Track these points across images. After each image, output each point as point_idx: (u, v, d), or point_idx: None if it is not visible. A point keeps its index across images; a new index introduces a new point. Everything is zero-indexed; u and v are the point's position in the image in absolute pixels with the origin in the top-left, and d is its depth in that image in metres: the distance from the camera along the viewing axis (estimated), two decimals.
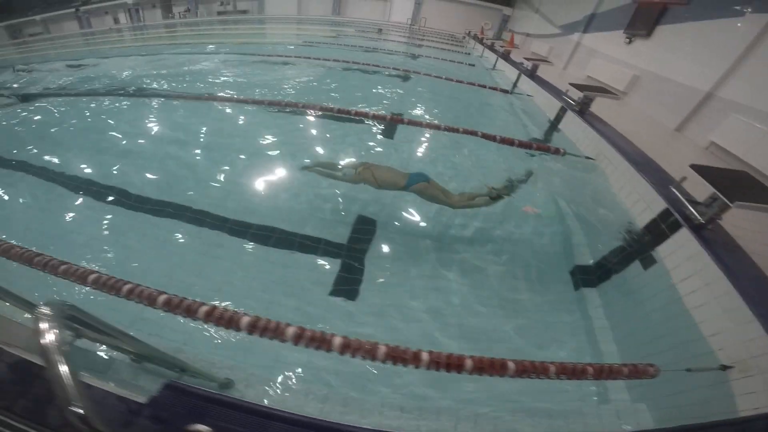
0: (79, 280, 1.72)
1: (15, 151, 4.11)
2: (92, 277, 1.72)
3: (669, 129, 5.68)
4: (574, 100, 4.78)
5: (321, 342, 1.54)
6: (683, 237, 2.38)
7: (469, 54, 12.21)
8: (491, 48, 11.50)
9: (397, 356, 1.50)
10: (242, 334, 1.58)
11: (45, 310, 0.84)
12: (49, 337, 0.79)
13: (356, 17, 21.44)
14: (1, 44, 22.74)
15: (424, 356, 1.51)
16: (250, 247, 2.97)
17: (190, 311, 1.61)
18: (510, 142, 3.78)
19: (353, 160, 3.47)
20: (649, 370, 1.70)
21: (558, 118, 5.08)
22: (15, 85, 6.84)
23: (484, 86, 7.14)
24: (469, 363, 1.49)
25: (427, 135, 4.61)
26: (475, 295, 2.67)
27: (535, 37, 13.77)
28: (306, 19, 21.89)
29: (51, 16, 23.91)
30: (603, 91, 4.81)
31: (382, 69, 8.11)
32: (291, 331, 1.53)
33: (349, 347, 1.52)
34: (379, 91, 6.98)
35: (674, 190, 2.56)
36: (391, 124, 4.95)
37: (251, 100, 5.27)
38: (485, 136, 3.75)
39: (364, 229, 3.09)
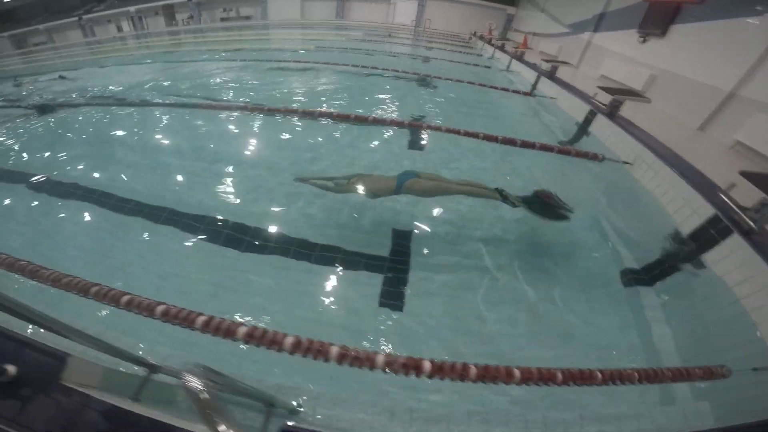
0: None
1: (40, 162, 4.23)
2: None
3: (691, 129, 5.68)
4: (603, 104, 4.77)
5: (365, 360, 1.47)
6: (735, 242, 2.41)
7: (481, 56, 12.24)
8: (502, 49, 11.55)
9: (445, 372, 1.51)
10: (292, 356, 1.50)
11: (192, 376, 0.91)
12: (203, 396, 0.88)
13: (359, 20, 21.57)
14: (6, 54, 23.01)
15: (473, 370, 1.53)
16: (289, 263, 2.92)
17: (229, 332, 1.52)
18: (549, 149, 3.81)
19: (346, 171, 3.52)
20: (721, 371, 1.77)
21: (587, 121, 5.03)
22: (36, 97, 6.94)
23: (507, 90, 7.16)
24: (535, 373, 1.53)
25: (457, 142, 4.56)
26: (531, 300, 2.70)
27: (543, 36, 13.82)
28: (311, 23, 22.00)
29: (54, 26, 24.13)
30: (632, 94, 4.81)
31: (398, 73, 8.16)
32: (335, 350, 1.45)
33: (393, 364, 1.46)
34: (399, 96, 6.99)
35: (722, 196, 2.62)
36: (417, 130, 4.97)
37: (282, 110, 5.32)
38: (524, 144, 3.77)
39: (401, 243, 3.12)
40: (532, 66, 8.33)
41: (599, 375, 1.58)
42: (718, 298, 2.41)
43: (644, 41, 7.84)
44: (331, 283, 2.77)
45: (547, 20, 13.74)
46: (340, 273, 2.83)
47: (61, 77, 9.00)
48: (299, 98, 6.64)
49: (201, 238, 3.09)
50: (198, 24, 23.15)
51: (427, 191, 3.07)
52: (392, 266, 2.88)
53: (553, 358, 2.34)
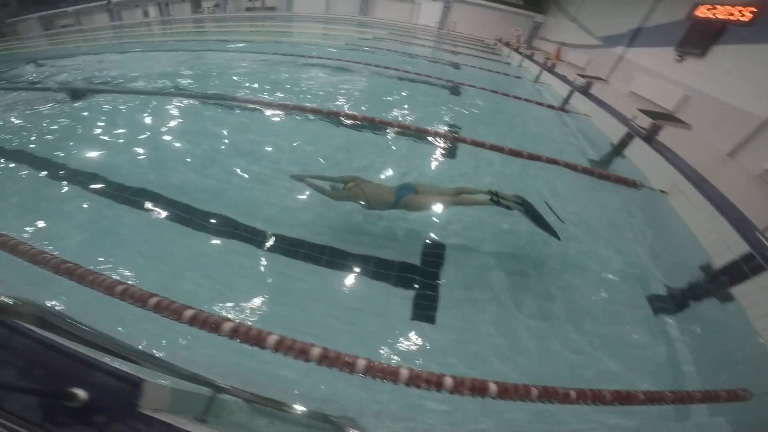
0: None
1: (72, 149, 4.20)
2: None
3: (721, 153, 5.53)
4: (642, 127, 4.64)
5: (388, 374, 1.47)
6: (766, 280, 2.48)
7: (509, 64, 12.10)
8: (531, 58, 11.42)
9: (476, 389, 1.50)
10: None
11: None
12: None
13: (383, 18, 21.49)
14: (34, 35, 23.44)
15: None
16: (322, 271, 2.87)
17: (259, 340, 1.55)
18: (590, 173, 3.75)
19: (345, 174, 3.23)
20: (742, 394, 1.87)
21: (623, 143, 4.88)
22: (65, 80, 6.94)
23: (539, 103, 7.03)
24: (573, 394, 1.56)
25: (490, 157, 4.45)
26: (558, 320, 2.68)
27: (572, 46, 13.63)
28: (334, 18, 21.97)
29: (83, 8, 24.48)
30: (673, 119, 4.64)
31: (429, 79, 8.06)
32: (361, 363, 1.47)
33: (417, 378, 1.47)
34: (432, 104, 6.90)
35: (758, 234, 2.68)
36: (453, 142, 4.90)
37: (308, 109, 5.29)
38: (567, 166, 3.71)
39: (435, 253, 3.08)
40: (565, 79, 8.17)
41: (641, 396, 1.65)
42: (742, 328, 2.48)
43: (681, 60, 7.66)
44: (362, 292, 2.76)
45: (577, 30, 13.57)
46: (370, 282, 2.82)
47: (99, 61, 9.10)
48: (323, 97, 6.59)
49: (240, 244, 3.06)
50: (223, 12, 23.28)
51: (422, 207, 2.94)
52: (424, 278, 2.86)
53: (594, 377, 2.33)
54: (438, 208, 3.04)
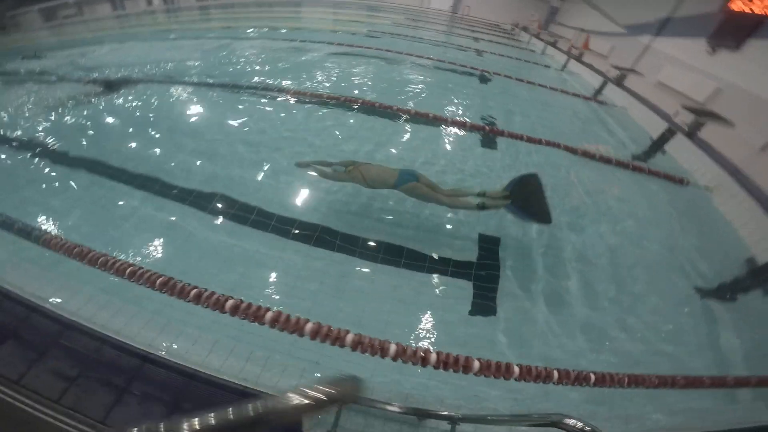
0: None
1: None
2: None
3: (754, 147, 5.59)
4: (685, 123, 4.87)
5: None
6: None
7: (533, 51, 12.12)
8: (555, 45, 11.49)
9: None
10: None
11: None
12: None
13: (393, 2, 21.19)
14: (36, 27, 23.16)
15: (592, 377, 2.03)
16: (380, 269, 3.07)
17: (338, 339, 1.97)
18: (641, 170, 4.00)
19: (346, 159, 3.48)
20: None
21: (664, 138, 5.14)
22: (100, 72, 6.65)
23: (576, 95, 7.15)
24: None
25: (529, 149, 4.66)
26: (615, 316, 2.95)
27: (593, 33, 13.60)
28: (349, 2, 21.68)
29: None
30: (717, 117, 4.82)
31: (456, 67, 8.16)
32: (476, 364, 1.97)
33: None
34: (462, 93, 6.94)
35: None
36: (490, 135, 5.04)
37: (344, 99, 5.46)
38: (619, 164, 3.98)
39: (490, 248, 3.29)
40: (597, 70, 8.25)
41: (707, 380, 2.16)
42: None
43: (713, 52, 7.79)
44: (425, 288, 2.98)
45: (598, 17, 13.46)
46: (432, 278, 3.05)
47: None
48: (350, 86, 6.59)
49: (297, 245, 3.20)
50: None
51: (420, 196, 3.15)
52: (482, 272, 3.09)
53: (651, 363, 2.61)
54: (430, 201, 3.22)
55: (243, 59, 7.82)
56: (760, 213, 3.44)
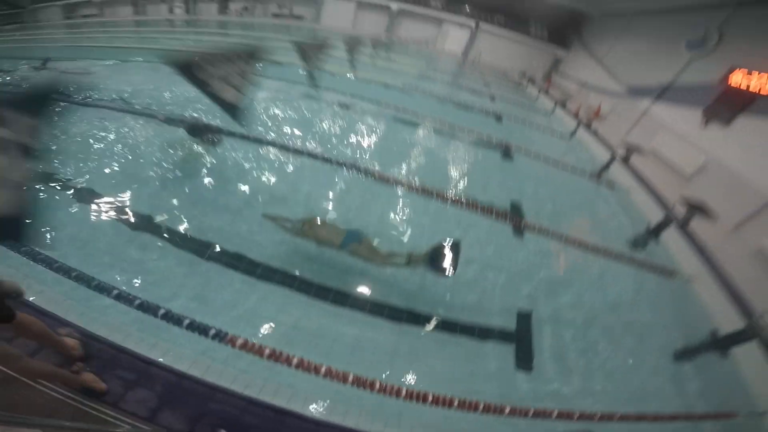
0: None
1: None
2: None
3: (727, 226, 5.96)
4: (679, 213, 5.42)
5: None
6: (754, 346, 3.67)
7: (547, 114, 12.22)
8: (564, 106, 11.94)
9: None
10: None
11: None
12: None
13: (407, 40, 22.26)
14: (55, 22, 23.97)
15: None
16: (432, 333, 3.42)
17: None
18: (635, 262, 4.95)
19: (304, 216, 3.86)
20: (732, 415, 3.21)
21: (661, 226, 5.62)
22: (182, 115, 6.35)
23: (598, 177, 7.26)
24: None
25: (558, 246, 4.87)
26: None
27: (594, 89, 14.25)
28: (363, 37, 22.65)
29: None
30: (705, 212, 5.56)
31: (476, 134, 8.10)
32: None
33: None
34: (488, 173, 6.75)
35: (756, 319, 3.84)
36: (518, 225, 5.13)
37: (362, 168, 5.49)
38: (614, 255, 4.70)
39: (524, 320, 3.75)
40: (609, 146, 8.34)
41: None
42: (734, 377, 3.66)
43: (706, 125, 8.19)
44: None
45: (602, 73, 14.16)
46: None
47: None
48: (370, 153, 6.50)
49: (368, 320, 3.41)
50: (251, 17, 23.99)
51: (364, 258, 3.61)
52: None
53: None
54: (370, 261, 3.65)
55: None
56: (723, 294, 4.40)
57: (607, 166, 7.76)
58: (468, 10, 21.15)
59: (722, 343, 3.82)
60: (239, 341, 2.66)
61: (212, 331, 2.71)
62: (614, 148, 8.10)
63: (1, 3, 24.94)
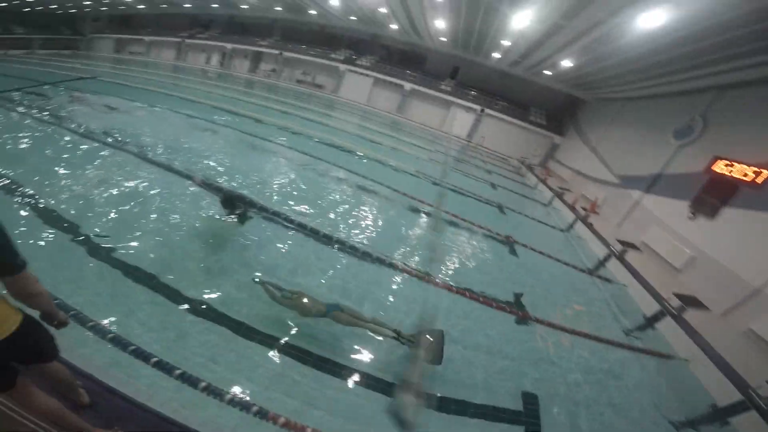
0: None
1: None
2: None
3: (716, 313, 6.17)
4: (673, 307, 5.57)
5: None
6: (754, 416, 3.78)
7: (546, 206, 12.02)
8: (561, 198, 11.70)
9: None
10: None
11: None
12: None
13: (417, 121, 23.13)
14: (105, 54, 26.61)
15: None
16: None
17: None
18: (635, 349, 5.06)
19: (293, 288, 3.91)
20: None
21: (655, 318, 5.66)
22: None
23: (596, 273, 7.18)
24: None
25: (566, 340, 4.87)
26: None
27: (587, 178, 13.95)
28: (373, 112, 23.78)
29: (157, 41, 28.03)
30: (699, 305, 6.10)
31: (485, 230, 7.79)
32: None
33: None
34: (491, 265, 6.57)
35: (751, 392, 3.94)
36: (521, 316, 5.14)
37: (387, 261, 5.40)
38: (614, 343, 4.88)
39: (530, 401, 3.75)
40: (605, 242, 8.06)
41: None
42: None
43: (693, 218, 7.62)
44: None
45: (594, 162, 13.94)
46: None
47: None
48: (372, 235, 6.25)
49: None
50: (278, 79, 25.89)
51: (346, 322, 3.76)
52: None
53: None
54: (355, 326, 3.78)
55: (258, 172, 7.76)
56: (722, 378, 4.36)
57: (603, 262, 7.50)
58: (475, 95, 22.24)
59: (721, 414, 4.03)
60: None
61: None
62: (609, 244, 7.88)
63: (65, 27, 28.10)
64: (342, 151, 11.41)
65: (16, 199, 4.83)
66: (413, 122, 22.78)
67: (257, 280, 4.04)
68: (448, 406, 3.43)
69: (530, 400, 3.72)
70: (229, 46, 26.84)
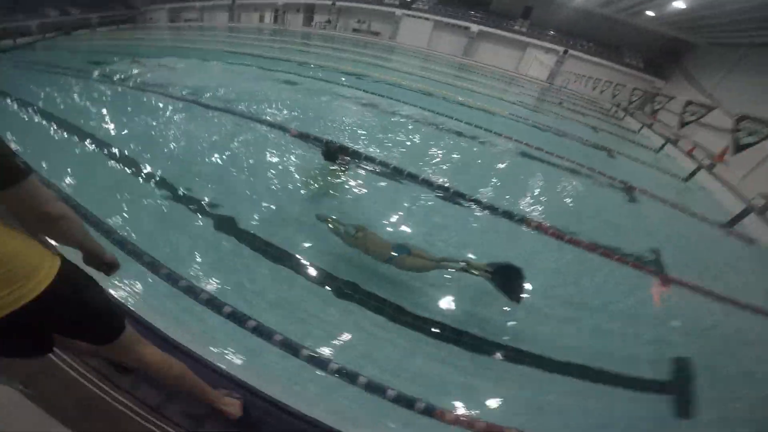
0: None
1: None
2: None
3: None
4: None
5: None
6: None
7: (657, 152, 11.38)
8: (676, 144, 11.08)
9: None
10: None
11: None
12: None
13: (487, 64, 22.04)
14: (161, 25, 26.81)
15: None
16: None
17: None
18: None
19: (358, 223, 3.68)
20: None
21: None
22: None
23: (734, 231, 6.48)
24: None
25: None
26: None
27: (703, 126, 13.08)
28: (436, 56, 22.84)
29: (208, 5, 27.72)
30: None
31: (598, 175, 7.41)
32: None
33: None
34: (613, 215, 6.11)
35: None
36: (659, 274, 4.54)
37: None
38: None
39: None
40: (739, 195, 7.49)
41: None
42: None
43: None
44: None
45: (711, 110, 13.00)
46: None
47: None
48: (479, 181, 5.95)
49: None
50: (333, 30, 25.19)
51: (413, 268, 3.37)
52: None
53: None
54: (422, 270, 3.41)
55: (329, 116, 7.73)
56: None
57: (740, 217, 6.85)
58: (554, 35, 20.57)
59: None
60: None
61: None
62: (744, 196, 7.31)
63: (119, 4, 28.57)
64: (436, 98, 11.21)
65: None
66: (484, 65, 21.68)
67: (318, 215, 3.86)
68: (587, 374, 3.05)
69: (681, 365, 3.32)
70: (280, 1, 26.08)
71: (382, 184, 5.26)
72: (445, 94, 11.87)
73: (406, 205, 4.84)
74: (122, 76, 9.19)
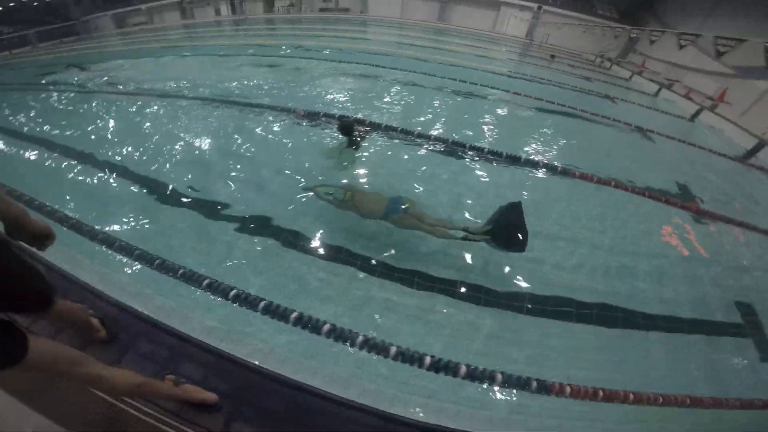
0: None
1: None
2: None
3: None
4: None
5: None
6: None
7: (652, 95, 12.04)
8: (670, 89, 11.78)
9: None
10: None
11: None
12: None
13: (462, 26, 21.93)
14: (108, 33, 24.65)
15: None
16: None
17: None
18: None
19: (345, 182, 3.76)
20: None
21: None
22: None
23: (750, 163, 6.96)
24: None
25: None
26: None
27: (690, 70, 13.84)
28: (411, 24, 22.40)
29: (156, 6, 25.67)
30: None
31: (607, 119, 7.90)
32: None
33: None
34: (632, 154, 6.56)
35: None
36: (695, 211, 4.88)
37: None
38: None
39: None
40: (746, 130, 8.02)
41: None
42: None
43: None
44: None
45: (696, 54, 13.64)
46: None
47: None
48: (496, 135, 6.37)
49: None
50: (298, 12, 24.07)
51: (408, 227, 3.35)
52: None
53: None
54: (416, 229, 3.36)
55: (309, 83, 8.08)
56: None
57: (755, 151, 7.57)
58: None
59: None
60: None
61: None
62: (752, 132, 7.93)
63: (52, 17, 25.97)
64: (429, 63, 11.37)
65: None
66: (461, 28, 21.60)
67: (306, 187, 3.85)
68: (658, 323, 3.20)
69: (746, 310, 3.44)
70: None
71: (395, 149, 5.45)
72: (440, 60, 11.94)
73: (424, 168, 5.01)
74: (75, 83, 8.89)
